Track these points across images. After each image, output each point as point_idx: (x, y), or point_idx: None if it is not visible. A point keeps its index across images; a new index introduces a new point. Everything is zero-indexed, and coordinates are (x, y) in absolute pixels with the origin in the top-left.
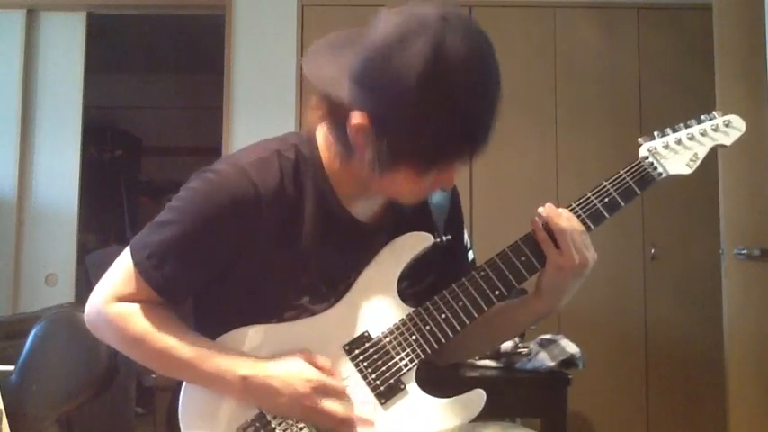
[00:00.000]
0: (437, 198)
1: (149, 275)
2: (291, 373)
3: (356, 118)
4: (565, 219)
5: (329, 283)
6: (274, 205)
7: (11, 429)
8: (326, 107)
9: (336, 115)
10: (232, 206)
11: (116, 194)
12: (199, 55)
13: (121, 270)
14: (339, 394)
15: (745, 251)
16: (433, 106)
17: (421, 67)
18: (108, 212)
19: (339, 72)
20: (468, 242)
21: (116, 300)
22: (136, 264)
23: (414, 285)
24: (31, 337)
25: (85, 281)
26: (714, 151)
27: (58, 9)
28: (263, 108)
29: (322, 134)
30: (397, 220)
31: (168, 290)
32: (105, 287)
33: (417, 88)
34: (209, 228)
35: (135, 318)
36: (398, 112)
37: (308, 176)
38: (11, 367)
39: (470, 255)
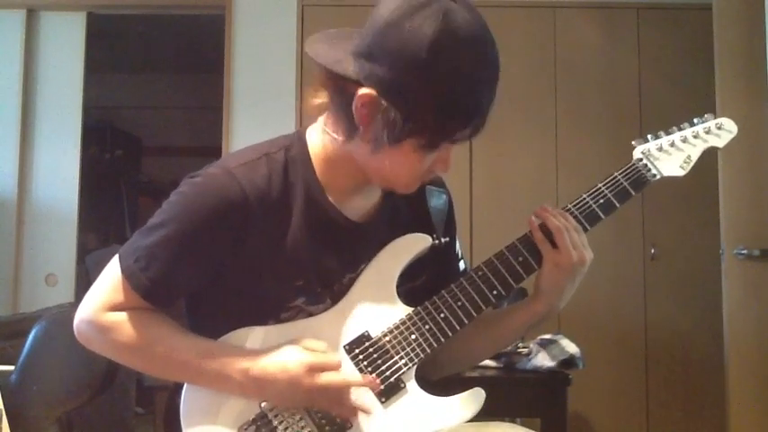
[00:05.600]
0: (436, 201)
1: (135, 278)
2: (286, 358)
3: (364, 90)
4: (561, 218)
5: (324, 283)
6: (263, 207)
7: (11, 429)
8: (332, 85)
9: (341, 92)
10: (219, 208)
11: (116, 194)
12: (198, 55)
13: (110, 279)
14: (334, 368)
15: (745, 251)
16: (442, 74)
17: (431, 34)
18: (108, 212)
19: (343, 54)
20: (460, 251)
21: (107, 309)
22: (123, 269)
23: (407, 282)
24: (30, 337)
25: (85, 281)
26: (714, 152)
27: (58, 9)
28: (263, 108)
29: (314, 132)
30: (393, 220)
31: (154, 292)
32: (94, 298)
33: (427, 56)
34: (197, 230)
35: (128, 325)
36: (408, 81)
37: (297, 177)
38: (11, 367)
39: (462, 264)
